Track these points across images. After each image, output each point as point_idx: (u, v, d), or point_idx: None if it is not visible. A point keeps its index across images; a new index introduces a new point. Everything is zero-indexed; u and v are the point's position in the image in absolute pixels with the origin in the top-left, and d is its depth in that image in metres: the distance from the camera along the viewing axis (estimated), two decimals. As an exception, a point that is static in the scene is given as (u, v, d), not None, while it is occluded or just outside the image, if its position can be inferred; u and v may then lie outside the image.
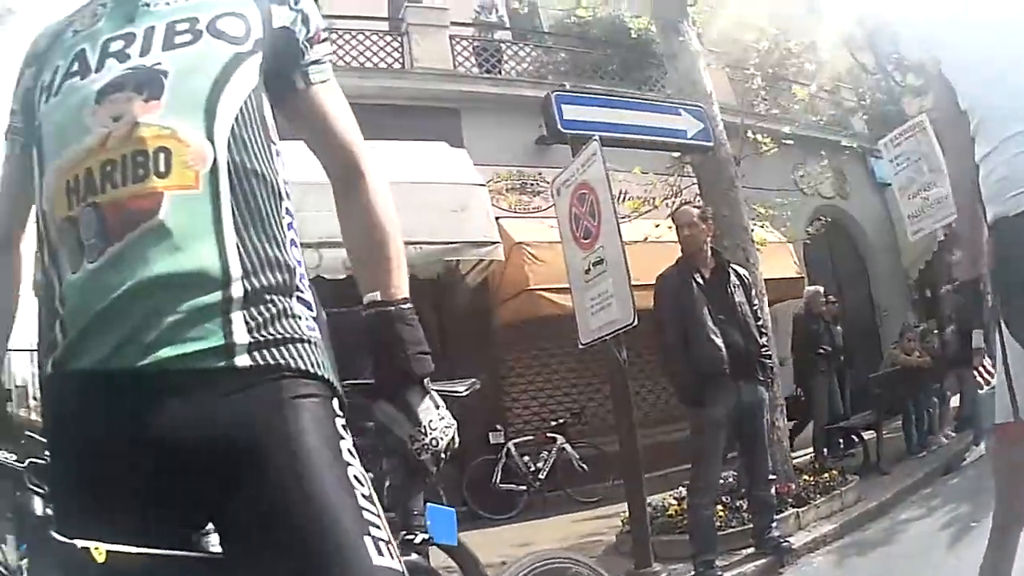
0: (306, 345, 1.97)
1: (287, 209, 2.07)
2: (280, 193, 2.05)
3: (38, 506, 1.86)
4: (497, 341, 15.42)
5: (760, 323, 8.03)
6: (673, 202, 12.34)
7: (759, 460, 7.96)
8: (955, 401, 13.91)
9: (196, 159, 1.88)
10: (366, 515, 1.85)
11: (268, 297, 1.92)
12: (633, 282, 7.64)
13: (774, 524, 8.04)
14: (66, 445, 1.90)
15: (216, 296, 1.84)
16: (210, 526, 1.94)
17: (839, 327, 14.59)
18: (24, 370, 20.61)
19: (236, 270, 1.87)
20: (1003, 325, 3.43)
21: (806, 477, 9.99)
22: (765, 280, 10.52)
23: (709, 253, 7.94)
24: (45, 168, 1.97)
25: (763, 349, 7.84)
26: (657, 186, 13.76)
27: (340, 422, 1.98)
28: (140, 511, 1.78)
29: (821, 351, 13.53)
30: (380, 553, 1.81)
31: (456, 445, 2.13)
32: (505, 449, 14.05)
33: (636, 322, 7.47)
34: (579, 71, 17.95)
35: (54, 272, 1.94)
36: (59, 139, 1.93)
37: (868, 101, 21.06)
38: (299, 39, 2.17)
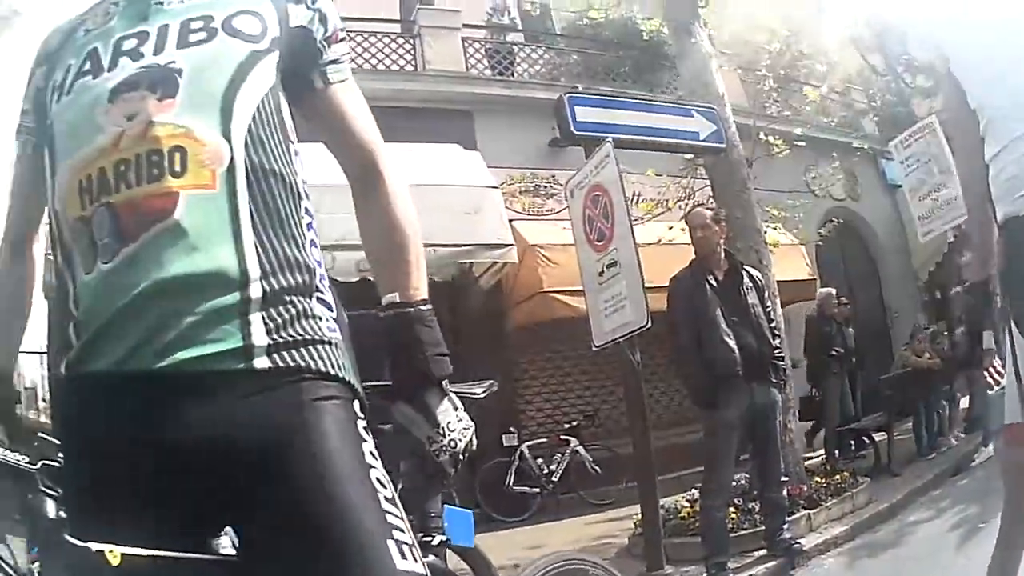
0: (326, 346, 1.94)
1: (306, 209, 2.05)
2: (299, 193, 2.02)
3: (51, 509, 1.83)
4: (511, 343, 15.39)
5: (773, 325, 8.01)
6: (686, 204, 12.42)
7: (772, 462, 7.94)
8: (964, 402, 13.86)
9: (212, 158, 1.85)
10: (389, 518, 1.83)
11: (287, 298, 1.89)
12: (646, 284, 7.67)
13: (786, 526, 8.02)
14: (80, 448, 1.88)
15: (234, 297, 1.81)
16: (227, 528, 1.93)
17: (851, 329, 14.56)
18: (34, 372, 20.56)
19: (254, 271, 1.84)
20: (1013, 325, 3.39)
21: (818, 479, 9.97)
22: (778, 282, 10.51)
23: (722, 255, 7.91)
24: (57, 168, 1.94)
25: (776, 351, 7.81)
26: (670, 188, 13.80)
27: (362, 424, 1.96)
28: (156, 514, 1.75)
29: (833, 353, 13.53)
30: (403, 556, 1.80)
31: (474, 447, 2.10)
32: (518, 451, 14.03)
33: (650, 324, 7.50)
34: (591, 73, 17.92)
35: (67, 273, 1.91)
36: (71, 138, 1.91)
37: (878, 103, 21.02)
38: (316, 38, 2.15)
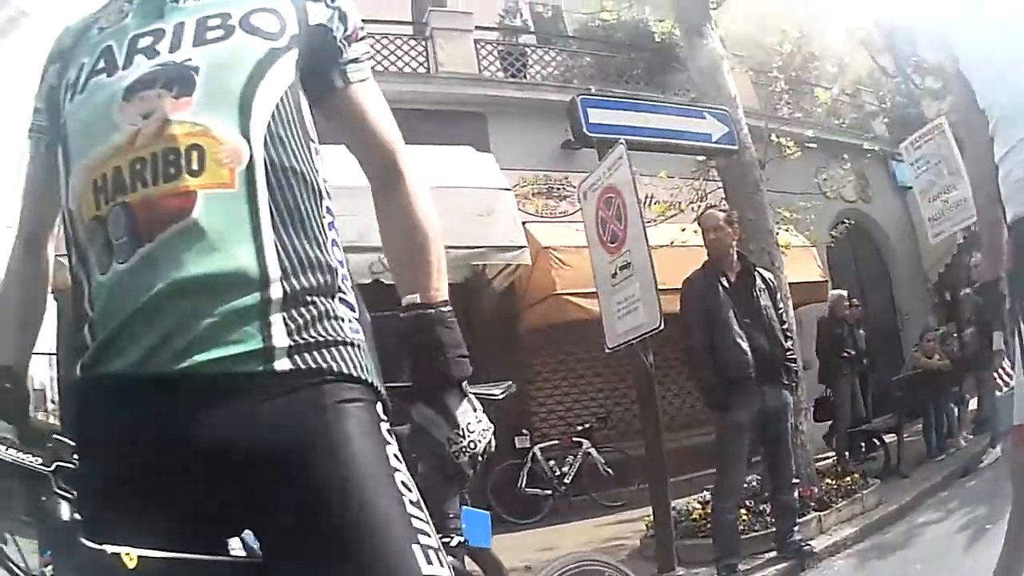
0: (349, 348, 1.91)
1: (328, 208, 2.02)
2: (320, 192, 1.99)
3: (65, 511, 1.73)
4: (523, 346, 15.34)
5: (785, 327, 8.01)
6: (699, 206, 12.39)
7: (783, 464, 7.93)
8: (973, 403, 13.85)
9: (231, 156, 1.82)
10: (415, 522, 1.81)
11: (309, 299, 1.86)
12: (659, 286, 7.69)
13: (796, 528, 8.02)
14: (96, 449, 1.83)
15: (254, 298, 1.78)
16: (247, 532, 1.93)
17: (862, 331, 14.56)
18: (42, 373, 20.54)
19: (275, 271, 1.81)
20: (1022, 327, 3.39)
21: (828, 481, 9.96)
22: (789, 284, 10.49)
23: (735, 257, 7.92)
24: (71, 167, 1.91)
25: (788, 353, 7.82)
26: (683, 190, 13.78)
27: (385, 427, 1.93)
28: (173, 517, 1.72)
29: (845, 355, 13.54)
30: (429, 561, 1.77)
31: (493, 448, 2.07)
32: (531, 453, 14.01)
33: (663, 326, 7.53)
34: (604, 75, 17.92)
35: (82, 273, 1.89)
36: (85, 137, 1.89)
37: (889, 104, 21.02)
38: (336, 37, 2.12)
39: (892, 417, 12.92)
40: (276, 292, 1.80)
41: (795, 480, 8.32)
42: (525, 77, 17.61)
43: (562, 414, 16.02)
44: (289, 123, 1.95)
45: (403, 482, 1.85)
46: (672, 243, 12.09)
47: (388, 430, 1.93)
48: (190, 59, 1.89)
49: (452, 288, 2.17)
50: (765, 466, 8.61)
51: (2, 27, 17.90)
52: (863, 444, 13.57)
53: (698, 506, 9.39)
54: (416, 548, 1.77)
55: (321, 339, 1.85)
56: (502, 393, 3.81)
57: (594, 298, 9.39)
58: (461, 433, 1.98)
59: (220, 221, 1.78)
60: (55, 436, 1.86)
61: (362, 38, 2.20)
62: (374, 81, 2.22)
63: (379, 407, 1.95)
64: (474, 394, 2.06)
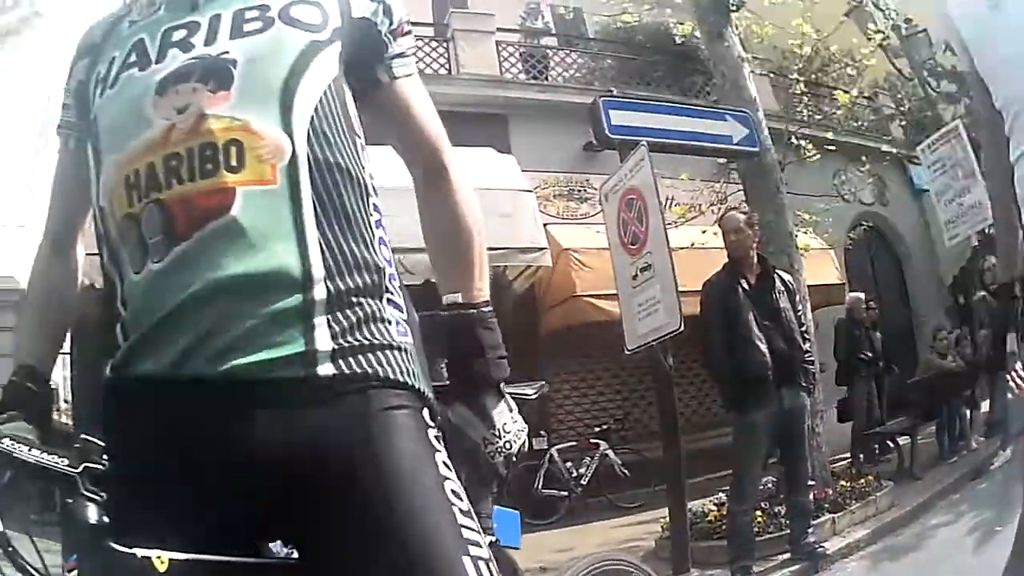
0: (396, 352, 1.83)
1: (375, 206, 1.93)
2: (367, 189, 1.91)
3: (92, 514, 1.65)
4: (543, 347, 15.26)
5: (804, 329, 8.02)
6: (719, 208, 12.34)
7: (800, 466, 7.96)
8: (984, 406, 13.82)
9: (272, 152, 1.75)
10: (465, 533, 1.73)
11: (354, 300, 1.78)
12: (680, 288, 7.72)
13: (810, 530, 8.04)
14: (128, 451, 1.75)
15: (297, 299, 1.70)
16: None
17: (878, 333, 14.58)
18: (56, 373, 20.66)
19: (319, 271, 1.73)
20: None
21: (843, 483, 9.97)
22: (808, 286, 10.51)
23: (755, 259, 7.94)
24: (102, 163, 1.85)
25: (806, 355, 7.82)
26: (704, 192, 13.83)
27: (433, 433, 1.85)
28: (205, 521, 1.66)
29: (862, 357, 13.61)
30: (479, 574, 1.70)
31: (527, 448, 2.05)
32: (548, 455, 13.98)
33: (683, 328, 7.56)
34: (625, 77, 17.95)
35: (114, 272, 1.82)
36: (117, 133, 1.82)
37: (906, 107, 21.04)
38: (381, 31, 2.04)
39: (906, 419, 12.88)
40: (320, 293, 1.73)
41: (811, 482, 8.37)
42: (546, 79, 17.66)
43: (580, 415, 16.00)
44: (334, 118, 1.87)
45: (453, 491, 1.78)
46: (692, 245, 12.06)
47: (436, 436, 1.86)
48: (227, 52, 1.82)
49: (472, 289, 2.17)
50: (782, 468, 8.60)
51: (15, 26, 18.00)
52: (877, 446, 13.61)
53: (713, 508, 9.40)
54: (467, 560, 1.71)
55: (367, 343, 1.78)
56: (535, 393, 3.80)
57: (614, 300, 9.41)
58: (497, 433, 1.96)
59: (261, 219, 1.71)
60: (83, 437, 1.79)
61: (407, 32, 2.12)
62: (418, 76, 2.17)
63: (426, 413, 1.87)
64: (509, 394, 2.04)
